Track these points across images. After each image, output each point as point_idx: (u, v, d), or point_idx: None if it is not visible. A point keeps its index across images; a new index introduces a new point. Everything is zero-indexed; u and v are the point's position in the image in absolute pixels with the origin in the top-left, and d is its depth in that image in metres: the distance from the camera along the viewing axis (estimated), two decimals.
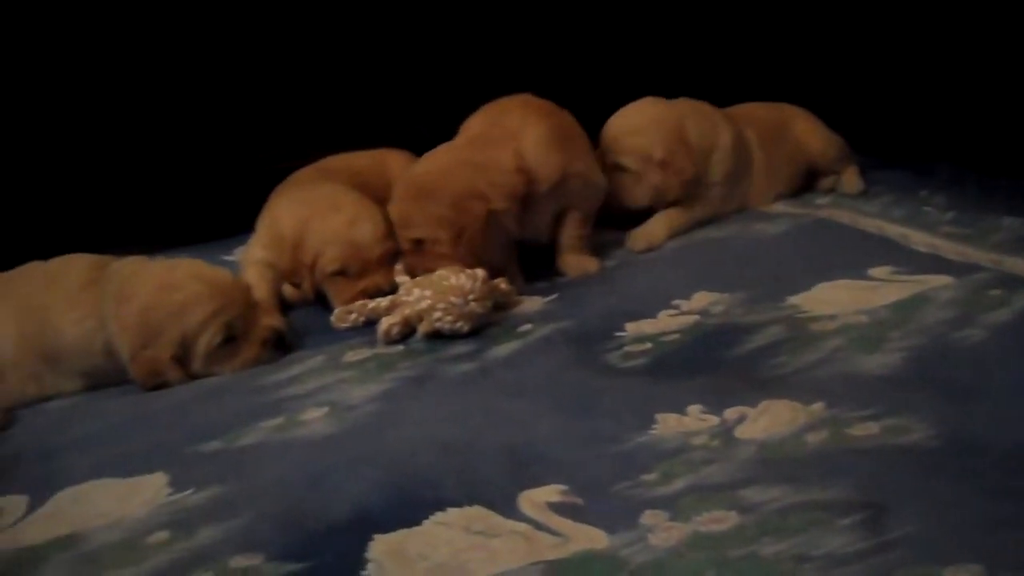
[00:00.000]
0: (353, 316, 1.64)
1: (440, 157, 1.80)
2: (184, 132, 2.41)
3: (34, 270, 1.60)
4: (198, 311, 1.49)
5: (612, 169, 1.99)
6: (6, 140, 2.25)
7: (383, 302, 1.64)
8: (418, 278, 1.63)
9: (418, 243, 1.71)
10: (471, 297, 1.51)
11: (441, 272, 1.57)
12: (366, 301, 1.66)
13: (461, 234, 1.68)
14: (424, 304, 1.51)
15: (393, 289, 1.72)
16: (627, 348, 1.42)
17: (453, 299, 1.50)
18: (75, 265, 1.58)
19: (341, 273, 1.76)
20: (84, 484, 1.18)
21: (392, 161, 2.18)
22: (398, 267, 1.75)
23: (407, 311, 1.54)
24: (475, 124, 1.88)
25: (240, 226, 2.20)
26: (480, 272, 1.57)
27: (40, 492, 1.17)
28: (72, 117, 2.31)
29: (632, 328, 1.49)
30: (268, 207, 1.98)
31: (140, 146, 2.38)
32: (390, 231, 1.78)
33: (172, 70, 2.37)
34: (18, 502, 1.16)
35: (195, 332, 1.49)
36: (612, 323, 1.51)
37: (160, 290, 1.49)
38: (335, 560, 0.95)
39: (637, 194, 2.01)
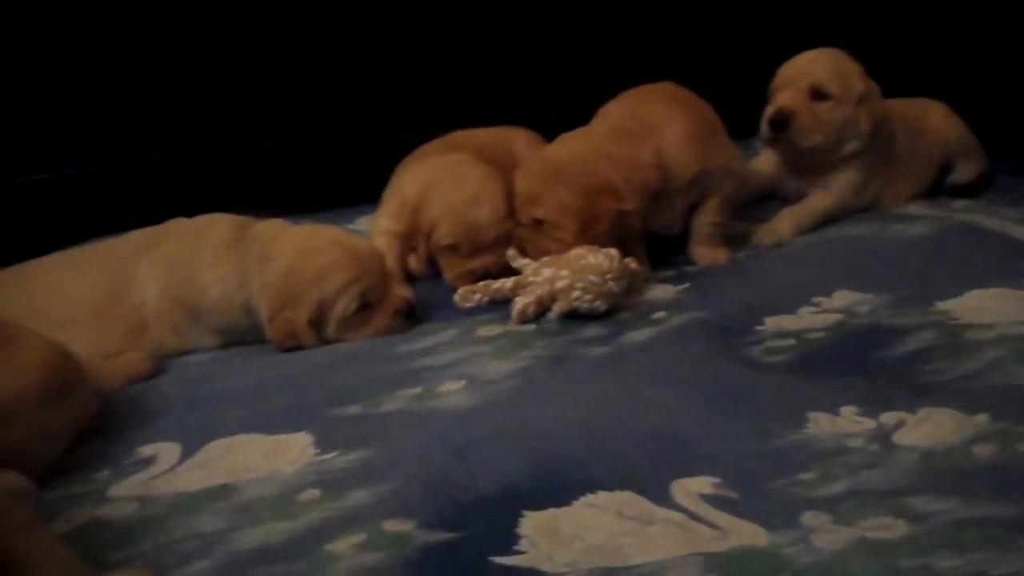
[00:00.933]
0: (477, 296, 1.64)
1: (580, 144, 1.76)
2: (315, 104, 2.45)
3: (178, 226, 1.65)
4: (337, 277, 1.51)
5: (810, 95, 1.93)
6: (144, 105, 2.33)
7: (507, 283, 1.63)
8: (546, 259, 1.62)
9: (538, 223, 1.70)
10: (609, 276, 1.50)
11: (577, 251, 1.55)
12: (490, 282, 1.65)
13: (588, 226, 1.66)
14: (562, 283, 1.50)
15: (503, 268, 1.73)
16: (768, 343, 1.38)
17: (592, 278, 1.49)
18: (219, 224, 1.62)
19: (453, 248, 1.77)
20: (233, 437, 1.21)
21: (518, 139, 2.17)
22: (514, 252, 1.74)
23: (540, 291, 1.54)
24: (615, 113, 1.84)
25: (362, 197, 2.24)
26: (614, 251, 1.55)
27: (191, 441, 1.21)
28: (211, 87, 2.38)
29: (772, 323, 1.45)
30: (395, 177, 2.01)
31: (275, 116, 2.43)
32: (509, 213, 1.78)
33: (307, 43, 2.41)
34: (171, 449, 1.19)
35: (333, 298, 1.51)
36: (751, 317, 1.47)
37: (302, 254, 1.52)
38: (486, 532, 0.95)
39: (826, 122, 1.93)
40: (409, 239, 1.82)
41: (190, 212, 1.74)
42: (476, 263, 1.76)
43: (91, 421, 1.27)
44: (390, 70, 2.48)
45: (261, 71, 2.38)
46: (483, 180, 1.81)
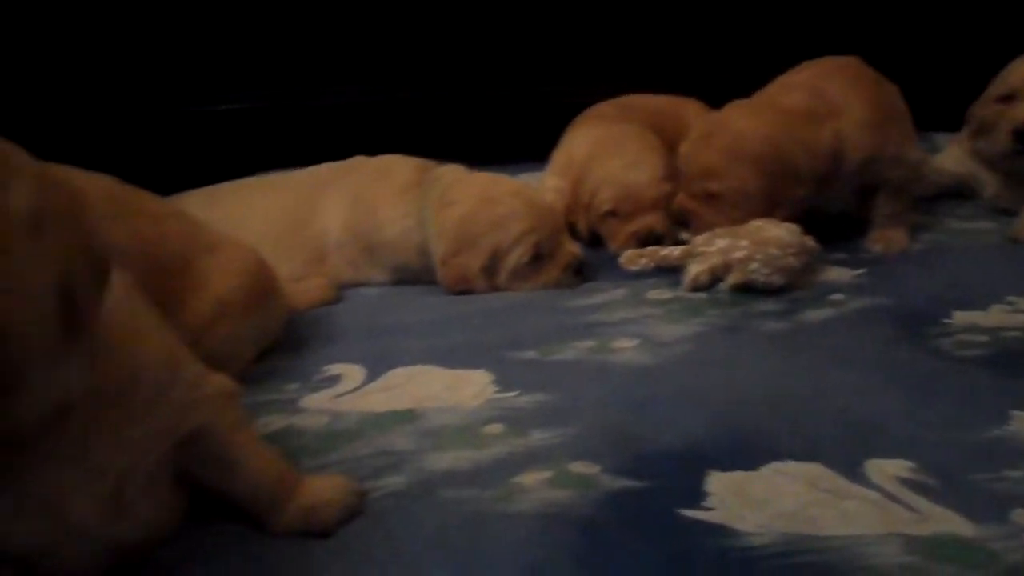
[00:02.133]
0: (644, 260, 1.64)
1: (764, 120, 1.66)
2: (491, 58, 2.48)
3: (363, 163, 1.71)
4: (514, 227, 1.53)
5: None
6: (313, 46, 2.42)
7: (675, 251, 1.62)
8: (719, 230, 1.59)
9: (711, 196, 1.67)
10: (789, 251, 1.46)
11: (757, 223, 1.52)
12: (658, 248, 1.65)
13: (768, 210, 1.61)
14: (739, 254, 1.47)
15: (664, 233, 1.72)
16: (959, 336, 1.31)
17: (772, 251, 1.46)
18: (402, 165, 1.67)
19: (613, 214, 1.77)
20: (413, 367, 1.25)
21: (691, 109, 2.14)
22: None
23: (714, 260, 1.51)
24: (797, 87, 1.76)
25: (526, 154, 2.26)
26: (795, 226, 1.51)
27: (374, 366, 1.26)
28: (388, 32, 2.44)
29: (961, 317, 1.38)
30: (565, 138, 2.02)
31: (452, 67, 2.48)
32: (668, 175, 1.76)
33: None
34: (356, 371, 1.25)
35: (508, 247, 1.54)
36: (938, 308, 1.40)
37: (482, 201, 1.55)
38: (672, 485, 0.95)
39: None
40: (571, 213, 1.84)
41: (354, 153, 1.80)
42: (636, 224, 1.75)
43: (280, 334, 1.34)
44: (571, 31, 2.48)
45: (443, 21, 2.43)
46: (641, 146, 1.82)
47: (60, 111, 2.17)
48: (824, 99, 1.70)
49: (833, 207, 1.77)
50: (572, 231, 1.83)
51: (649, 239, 1.73)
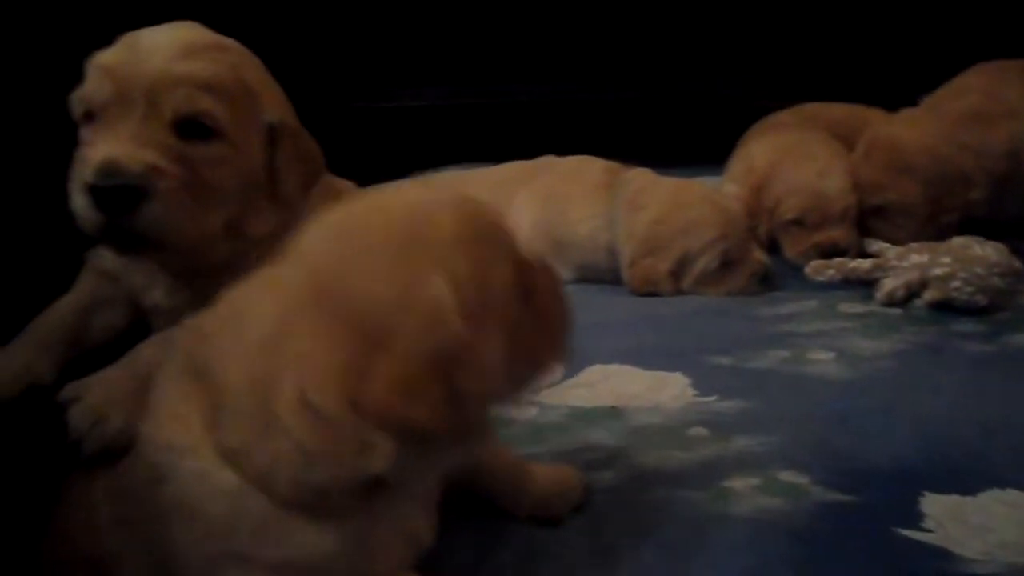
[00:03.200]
0: (831, 272, 1.62)
1: (927, 129, 1.68)
2: (671, 59, 2.50)
3: (554, 164, 1.77)
4: (704, 233, 1.55)
5: None
6: (487, 43, 2.49)
7: (864, 263, 1.60)
8: (914, 244, 1.56)
9: (877, 210, 1.68)
10: (995, 271, 1.42)
11: (961, 240, 1.49)
12: (846, 260, 1.63)
13: (934, 216, 1.60)
14: (940, 271, 1.44)
15: (847, 248, 1.69)
16: None
17: (977, 270, 1.42)
18: (594, 166, 1.72)
19: (798, 223, 1.74)
20: (610, 365, 1.29)
21: (873, 119, 2.09)
22: (880, 243, 1.69)
23: (910, 276, 1.48)
24: (970, 89, 1.73)
25: (704, 158, 2.26)
26: (1003, 246, 1.46)
27: (572, 362, 1.29)
28: (570, 33, 2.49)
29: None
30: (744, 145, 2.01)
31: (633, 68, 2.51)
32: (855, 186, 1.74)
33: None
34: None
35: (697, 252, 1.56)
36: None
37: (673, 206, 1.58)
38: (885, 503, 0.95)
39: None
40: (751, 218, 1.83)
41: (533, 152, 1.86)
42: (822, 236, 1.73)
43: None
44: (752, 34, 2.46)
45: (627, 22, 2.45)
46: (833, 154, 1.78)
47: None
48: (1000, 101, 1.66)
49: (1011, 210, 1.71)
50: None
51: (832, 253, 1.71)
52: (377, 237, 0.66)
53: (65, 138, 0.93)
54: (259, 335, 0.65)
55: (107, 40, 0.92)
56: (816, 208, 1.74)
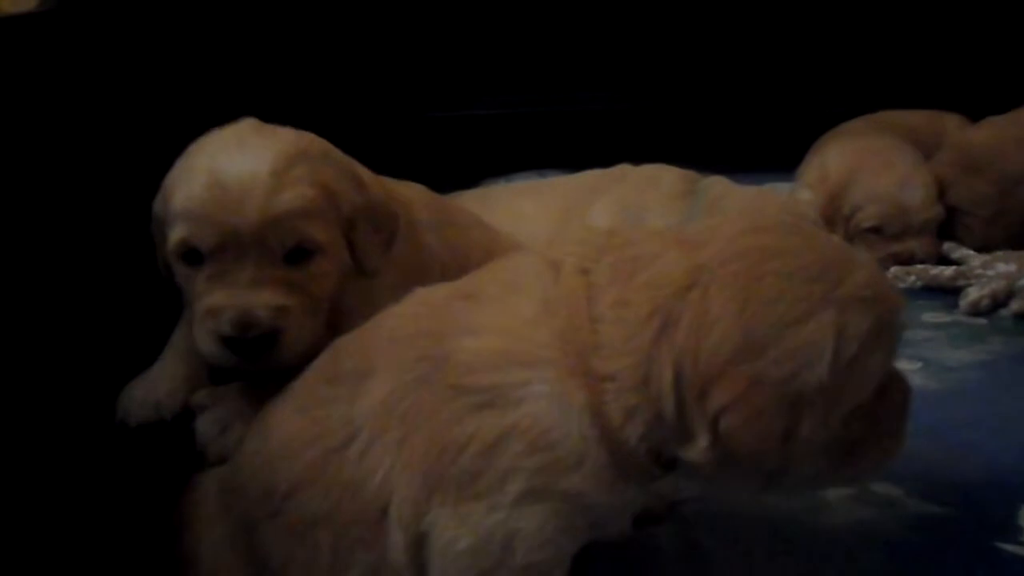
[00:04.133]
0: (912, 279, 1.61)
1: (998, 128, 1.69)
2: (741, 63, 2.49)
3: (630, 172, 1.78)
4: None
5: None
6: (550, 55, 2.52)
7: (947, 271, 1.58)
8: (999, 253, 1.55)
9: (951, 210, 1.70)
10: None
11: None
12: (928, 267, 1.61)
13: (999, 216, 1.63)
14: None
15: (925, 259, 1.68)
16: None
17: None
18: (670, 174, 1.73)
19: (877, 231, 1.73)
20: None
21: (949, 124, 2.06)
22: (954, 244, 1.68)
23: (995, 285, 1.47)
24: None
25: (774, 163, 2.26)
26: None
27: None
28: (631, 38, 2.51)
29: None
30: (818, 151, 2.00)
31: (698, 72, 2.51)
32: (937, 198, 1.72)
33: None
34: None
35: None
36: None
37: (750, 215, 1.58)
38: (982, 515, 0.95)
39: None
40: (828, 222, 1.82)
41: (602, 160, 1.87)
42: (900, 247, 1.71)
43: None
44: (829, 40, 2.44)
45: (693, 30, 2.46)
46: (913, 163, 1.76)
47: (309, 117, 2.37)
48: None
49: None
50: None
51: (909, 263, 1.69)
52: (796, 261, 0.69)
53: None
54: (667, 287, 0.69)
55: None
56: (897, 218, 1.72)
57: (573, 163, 2.18)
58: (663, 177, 1.72)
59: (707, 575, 0.90)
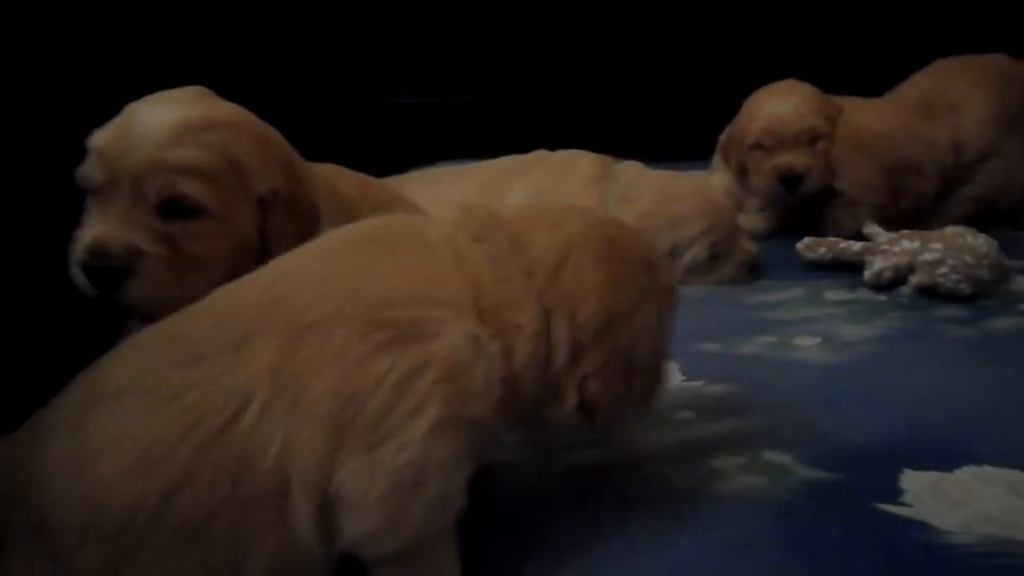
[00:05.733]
0: (823, 250, 1.66)
1: (887, 116, 1.77)
2: (662, 53, 2.52)
3: (546, 158, 1.80)
4: (692, 225, 1.58)
5: None
6: (479, 43, 2.52)
7: (855, 246, 1.64)
8: (905, 231, 1.61)
9: (835, 195, 1.80)
10: (985, 262, 1.45)
11: (955, 228, 1.52)
12: (838, 240, 1.67)
13: (889, 204, 1.74)
14: (930, 256, 1.48)
15: (805, 172, 1.79)
16: None
17: (967, 258, 1.45)
18: (584, 160, 1.75)
19: (759, 147, 1.80)
20: None
21: (847, 107, 2.12)
22: (874, 227, 1.73)
23: (900, 260, 1.52)
24: (922, 83, 1.84)
25: (694, 151, 2.30)
26: (993, 240, 1.49)
27: None
28: (557, 26, 2.52)
29: None
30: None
31: (623, 61, 2.54)
32: (816, 111, 1.79)
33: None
34: None
35: (685, 244, 1.59)
36: None
37: (662, 199, 1.61)
38: (866, 479, 0.98)
39: None
40: (725, 150, 1.93)
41: (529, 147, 1.89)
42: (778, 159, 1.78)
43: None
44: (742, 29, 2.49)
45: (618, 18, 2.48)
46: (797, 85, 1.84)
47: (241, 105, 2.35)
48: (945, 97, 1.76)
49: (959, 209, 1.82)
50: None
51: (789, 177, 1.77)
52: (632, 252, 0.86)
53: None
54: (551, 260, 0.81)
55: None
56: (771, 131, 1.79)
57: (494, 151, 2.18)
58: (578, 162, 1.74)
59: (598, 543, 0.91)
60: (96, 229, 0.95)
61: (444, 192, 1.80)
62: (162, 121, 0.96)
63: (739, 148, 1.87)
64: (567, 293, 0.80)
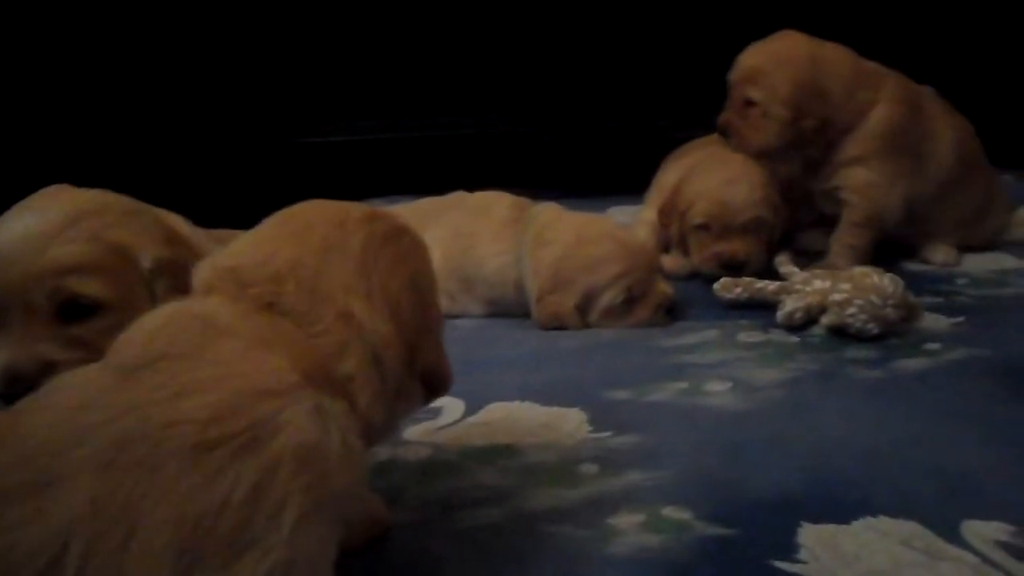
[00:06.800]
0: (738, 290, 1.66)
1: (826, 45, 1.84)
2: (581, 90, 2.54)
3: (463, 200, 1.79)
4: (608, 269, 1.58)
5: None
6: (407, 83, 2.51)
7: (770, 285, 1.64)
8: (818, 270, 1.62)
9: (748, 104, 1.81)
10: (890, 301, 1.46)
11: (862, 269, 1.54)
12: (754, 280, 1.67)
13: (794, 121, 1.76)
14: (839, 296, 1.48)
15: (747, 260, 1.78)
16: None
17: (873, 298, 1.46)
18: (501, 202, 1.73)
19: (705, 228, 1.79)
20: (512, 403, 1.30)
21: None
22: (784, 259, 1.74)
23: (811, 299, 1.53)
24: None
25: (619, 187, 2.32)
26: (899, 279, 1.51)
27: (474, 400, 1.31)
28: (473, 68, 2.52)
29: None
30: (661, 169, 2.06)
31: (541, 100, 2.55)
32: (765, 200, 1.79)
33: (577, 31, 2.49)
34: (456, 404, 1.30)
35: (601, 288, 1.58)
36: None
37: (577, 242, 1.60)
38: (764, 535, 0.97)
39: None
40: (665, 216, 1.88)
41: (460, 184, 1.88)
42: (723, 245, 1.78)
43: None
44: (661, 62, 2.51)
45: (549, 55, 2.49)
46: (745, 165, 1.83)
47: (174, 143, 2.31)
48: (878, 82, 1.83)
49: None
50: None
51: (732, 264, 1.76)
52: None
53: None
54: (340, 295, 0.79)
55: None
56: (719, 217, 1.78)
57: (438, 187, 2.17)
58: (495, 204, 1.72)
59: None
60: (3, 355, 0.94)
61: None
62: (30, 229, 0.95)
63: (680, 221, 1.85)
64: (384, 307, 0.80)
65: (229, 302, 0.75)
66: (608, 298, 1.58)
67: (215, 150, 2.37)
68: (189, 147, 2.31)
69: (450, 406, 1.30)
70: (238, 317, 0.73)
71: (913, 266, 1.95)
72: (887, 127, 1.79)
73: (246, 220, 1.01)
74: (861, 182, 1.81)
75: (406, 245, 0.87)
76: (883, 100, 1.80)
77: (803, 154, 1.83)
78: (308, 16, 2.41)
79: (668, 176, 1.99)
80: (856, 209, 1.83)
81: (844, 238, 1.84)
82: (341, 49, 2.45)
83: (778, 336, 1.52)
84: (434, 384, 0.90)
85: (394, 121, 2.55)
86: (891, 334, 1.50)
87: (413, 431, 1.24)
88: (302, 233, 0.83)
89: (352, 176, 2.48)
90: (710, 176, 1.82)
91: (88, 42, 1.96)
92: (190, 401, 0.66)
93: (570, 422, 1.24)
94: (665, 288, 1.65)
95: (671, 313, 1.64)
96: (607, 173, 2.48)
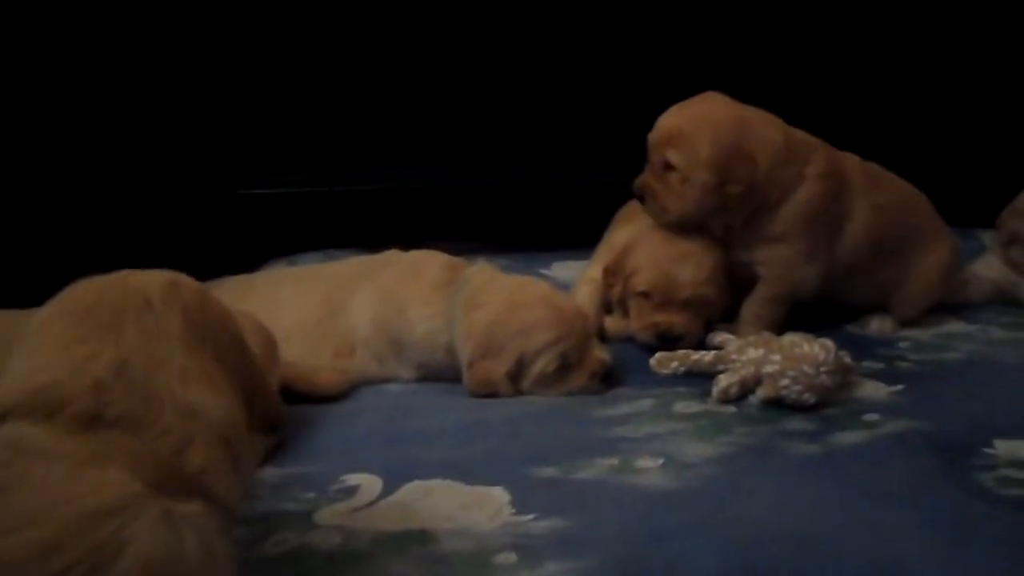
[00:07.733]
0: (675, 364, 1.61)
1: (748, 109, 1.78)
2: (540, 150, 2.51)
3: (396, 259, 1.72)
4: (541, 336, 1.52)
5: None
6: (355, 134, 2.47)
7: (707, 356, 1.60)
8: (752, 339, 1.58)
9: (667, 168, 1.73)
10: (823, 369, 1.43)
11: (792, 338, 1.50)
12: (690, 352, 1.62)
13: (719, 187, 1.69)
14: (770, 368, 1.44)
15: (684, 334, 1.73)
16: (1002, 472, 1.25)
17: (805, 368, 1.42)
18: (434, 263, 1.67)
19: (646, 296, 1.75)
20: (431, 481, 1.23)
21: None
22: (724, 335, 1.70)
23: (745, 372, 1.48)
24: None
25: (561, 242, 2.28)
26: (831, 344, 1.48)
27: (392, 478, 1.23)
28: (421, 118, 2.48)
29: (1004, 448, 1.31)
30: (612, 227, 2.03)
31: (485, 152, 2.51)
32: (712, 279, 1.75)
33: (522, 78, 2.47)
34: (373, 482, 1.23)
35: (533, 355, 1.52)
36: (978, 436, 1.34)
37: (509, 307, 1.54)
38: None
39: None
40: (610, 275, 1.83)
41: (399, 237, 1.83)
42: (661, 317, 1.73)
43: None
44: (608, 117, 2.49)
45: (494, 107, 2.46)
46: (696, 244, 1.77)
47: (108, 194, 2.23)
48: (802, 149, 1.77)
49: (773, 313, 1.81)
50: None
51: (668, 336, 1.72)
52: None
53: None
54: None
55: None
56: (664, 288, 1.73)
57: (364, 242, 2.11)
58: (427, 265, 1.67)
59: None
60: None
61: (289, 295, 1.71)
62: None
63: (624, 284, 1.80)
64: (221, 376, 0.78)
65: (41, 424, 0.67)
66: (541, 365, 1.52)
67: (145, 202, 2.29)
68: (118, 199, 2.23)
69: (367, 484, 1.23)
70: (56, 438, 0.66)
71: (855, 328, 1.92)
72: (811, 207, 1.74)
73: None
74: (780, 259, 1.77)
75: (210, 299, 0.84)
76: (810, 176, 1.74)
77: (722, 223, 1.77)
78: (245, 68, 2.36)
79: (619, 235, 1.94)
80: (772, 285, 1.78)
81: (756, 309, 1.79)
82: (276, 100, 2.40)
83: (715, 406, 1.47)
84: (272, 426, 0.91)
85: (334, 173, 2.50)
86: (830, 402, 1.46)
87: (325, 513, 1.17)
88: (112, 325, 0.75)
89: (287, 229, 2.41)
90: (660, 245, 1.77)
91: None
92: (16, 538, 0.60)
93: (492, 504, 1.17)
94: (601, 354, 1.59)
95: (607, 380, 1.58)
96: (552, 228, 2.44)
